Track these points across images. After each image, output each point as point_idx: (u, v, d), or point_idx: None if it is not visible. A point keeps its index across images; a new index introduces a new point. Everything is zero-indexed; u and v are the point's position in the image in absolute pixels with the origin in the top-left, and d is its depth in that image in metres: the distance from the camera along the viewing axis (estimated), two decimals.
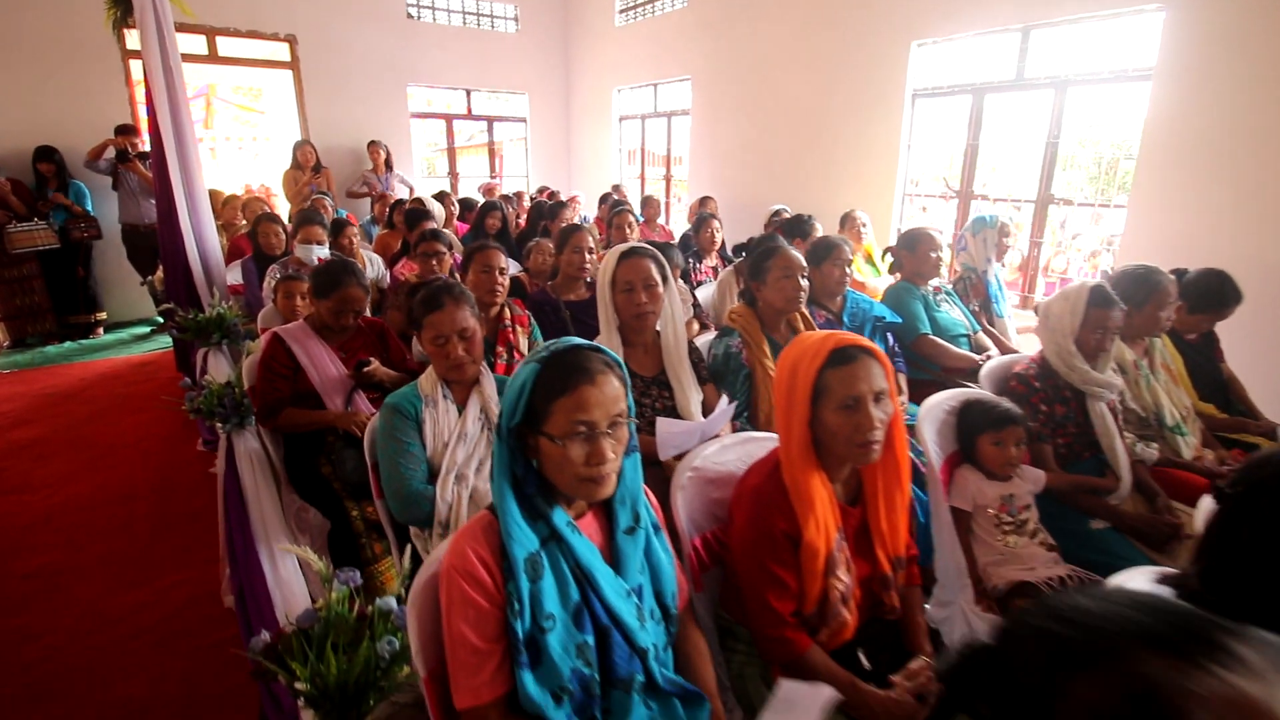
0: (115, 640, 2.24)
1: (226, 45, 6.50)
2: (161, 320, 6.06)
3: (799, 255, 2.25)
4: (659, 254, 2.08)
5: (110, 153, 5.71)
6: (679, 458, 1.90)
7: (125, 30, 5.72)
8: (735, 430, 2.04)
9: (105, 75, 6.00)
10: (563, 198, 7.20)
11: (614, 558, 1.11)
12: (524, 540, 1.02)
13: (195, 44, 6.25)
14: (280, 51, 6.78)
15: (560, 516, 1.06)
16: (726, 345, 2.26)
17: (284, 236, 4.10)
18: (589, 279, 3.05)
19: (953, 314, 3.04)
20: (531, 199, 7.01)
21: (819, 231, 3.89)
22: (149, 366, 5.15)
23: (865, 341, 1.28)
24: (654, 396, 2.04)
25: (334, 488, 2.14)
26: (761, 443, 1.63)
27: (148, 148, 4.69)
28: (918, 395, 2.32)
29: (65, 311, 5.82)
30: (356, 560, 2.04)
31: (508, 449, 1.06)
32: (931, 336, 2.87)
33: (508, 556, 1.00)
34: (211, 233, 4.28)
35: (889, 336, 2.82)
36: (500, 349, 2.53)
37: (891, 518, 1.37)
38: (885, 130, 4.78)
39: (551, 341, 1.09)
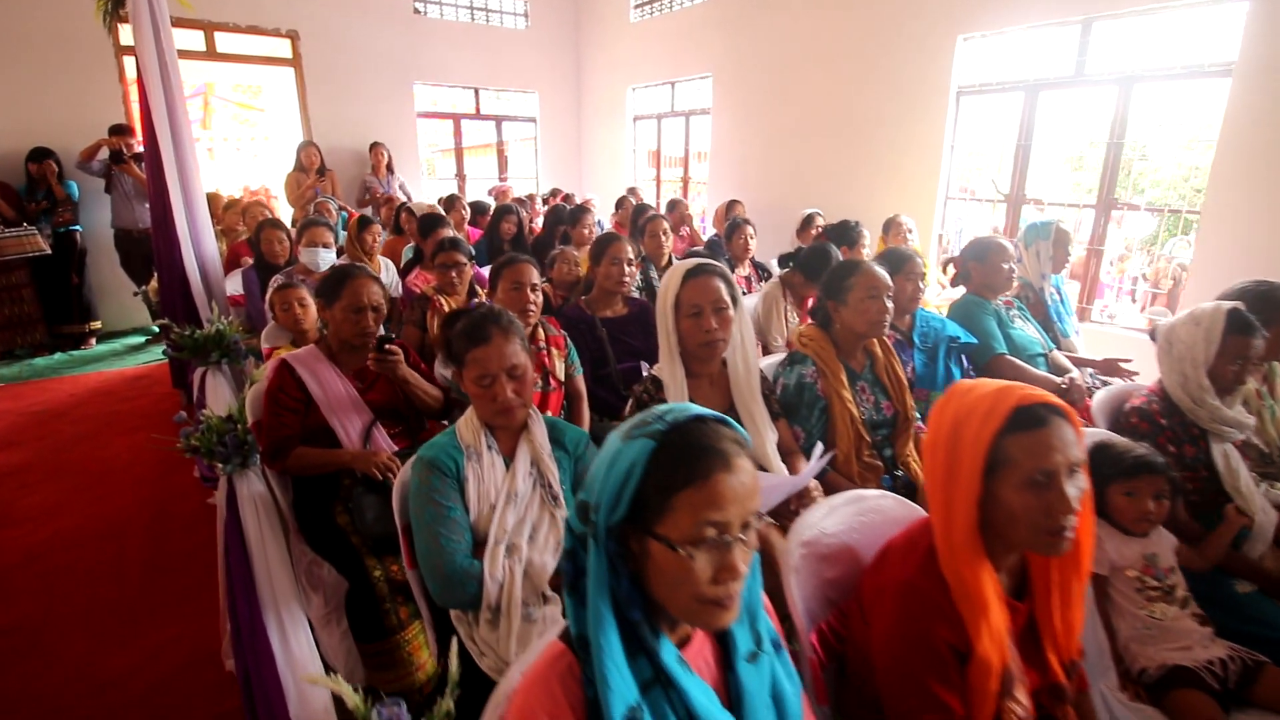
0: (101, 712, 1.96)
1: (225, 41, 6.22)
2: (157, 330, 5.78)
3: (884, 273, 1.97)
4: (728, 272, 1.80)
5: (104, 154, 5.43)
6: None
7: (118, 25, 5.47)
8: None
9: (98, 72, 5.72)
10: (576, 201, 6.94)
11: (733, 697, 0.83)
12: (623, 689, 0.73)
13: (192, 40, 5.96)
14: (281, 48, 6.49)
15: (668, 649, 0.78)
16: (799, 374, 1.99)
17: (288, 244, 3.81)
18: (628, 293, 2.78)
19: (1027, 331, 2.77)
20: (544, 201, 6.74)
21: (867, 239, 3.62)
22: (143, 380, 4.86)
23: (1054, 399, 1.00)
24: None
25: (352, 542, 1.86)
26: (873, 502, 1.36)
27: (143, 148, 4.40)
28: None
29: (57, 321, 5.53)
30: (380, 627, 1.76)
31: (606, 556, 0.77)
32: (1009, 357, 2.59)
33: (596, 714, 0.73)
34: (210, 240, 3.99)
35: (963, 359, 2.54)
36: (534, 376, 2.25)
37: (1067, 615, 1.09)
38: (927, 130, 4.50)
39: (666, 409, 0.81)
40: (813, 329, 2.07)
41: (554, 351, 2.35)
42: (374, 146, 6.56)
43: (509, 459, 1.46)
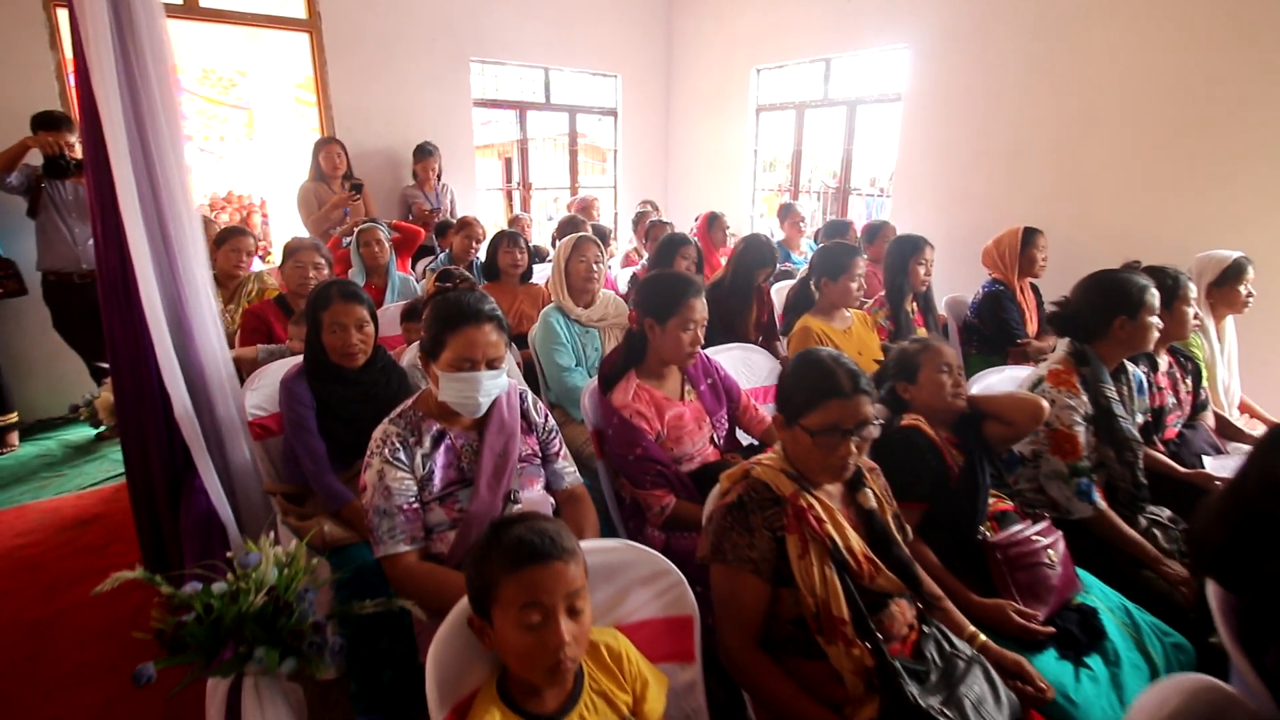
0: None
1: None
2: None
3: None
4: None
5: (34, 160, 3.53)
6: None
7: None
8: None
9: (15, 35, 3.79)
10: (661, 214, 5.12)
11: None
12: None
13: None
14: (293, 5, 4.59)
15: None
16: None
17: (373, 330, 2.00)
18: None
19: None
20: (638, 218, 4.89)
21: None
22: (93, 527, 2.96)
23: None
24: None
25: None
26: None
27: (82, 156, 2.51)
28: None
29: None
30: None
31: None
32: None
33: None
34: (212, 320, 2.15)
35: None
36: None
37: None
38: None
39: None
40: None
41: None
42: (423, 151, 4.71)
43: None
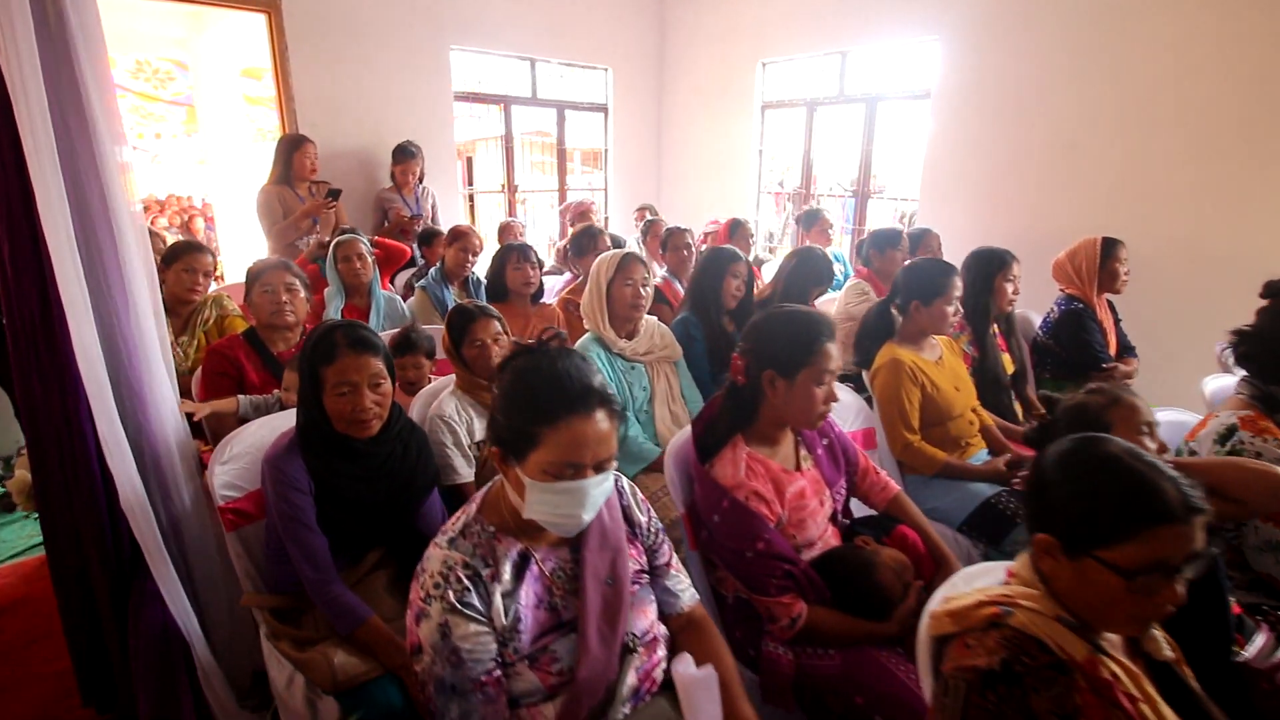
0: None
1: None
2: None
3: None
4: None
5: None
6: None
7: None
8: None
9: None
10: (664, 220, 4.67)
11: None
12: None
13: None
14: None
15: None
16: None
17: (390, 388, 1.51)
18: None
19: None
20: (643, 226, 4.42)
21: None
22: (13, 617, 2.36)
23: None
24: None
25: None
26: None
27: None
28: None
29: None
30: None
31: None
32: None
33: None
34: (172, 370, 1.63)
35: None
36: None
37: None
38: None
39: None
40: None
41: None
42: (404, 153, 4.17)
43: None
